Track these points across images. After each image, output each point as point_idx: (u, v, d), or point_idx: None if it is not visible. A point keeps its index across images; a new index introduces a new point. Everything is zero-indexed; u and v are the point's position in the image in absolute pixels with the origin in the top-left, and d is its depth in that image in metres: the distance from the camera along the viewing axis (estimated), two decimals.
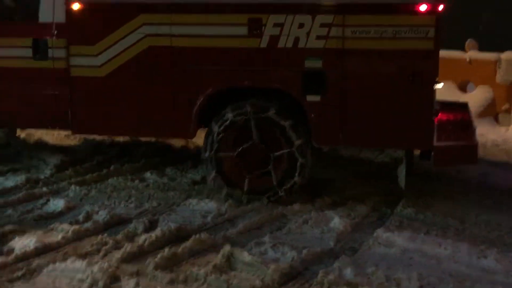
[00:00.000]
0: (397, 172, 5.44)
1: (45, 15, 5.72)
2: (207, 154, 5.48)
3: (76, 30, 5.56)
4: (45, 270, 4.19)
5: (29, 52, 5.77)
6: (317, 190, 5.88)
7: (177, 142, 7.65)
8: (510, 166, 7.20)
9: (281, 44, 5.10)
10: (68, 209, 5.41)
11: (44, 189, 5.90)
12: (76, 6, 5.46)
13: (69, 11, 5.49)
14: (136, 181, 6.16)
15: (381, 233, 4.85)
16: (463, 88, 9.50)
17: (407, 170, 5.34)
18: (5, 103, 5.97)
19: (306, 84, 5.11)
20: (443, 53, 9.43)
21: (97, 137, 7.61)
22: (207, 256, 4.42)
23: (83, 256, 4.40)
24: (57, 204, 5.49)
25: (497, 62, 9.07)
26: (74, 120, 5.74)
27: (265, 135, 5.36)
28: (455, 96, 9.26)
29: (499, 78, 9.06)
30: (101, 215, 5.16)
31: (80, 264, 4.24)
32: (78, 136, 7.61)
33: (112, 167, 6.54)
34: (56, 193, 5.81)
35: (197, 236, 4.66)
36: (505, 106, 9.00)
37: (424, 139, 4.99)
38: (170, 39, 5.33)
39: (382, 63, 4.96)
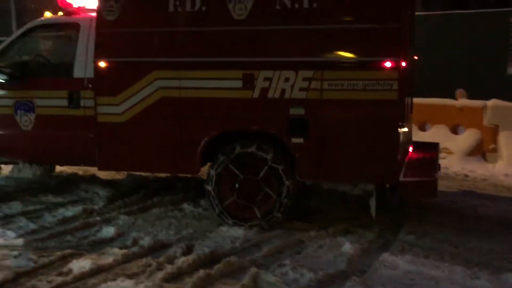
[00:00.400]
0: (369, 203, 5.39)
1: (78, 72, 6.06)
2: (210, 189, 5.60)
3: (102, 83, 5.72)
4: None
5: (65, 102, 6.05)
6: (329, 219, 5.87)
7: None
8: (497, 198, 7.12)
9: (270, 95, 5.23)
10: (118, 235, 5.43)
11: (98, 218, 5.93)
12: (102, 64, 5.69)
13: (96, 68, 5.71)
14: (176, 211, 6.17)
15: (386, 257, 4.80)
16: (454, 130, 9.48)
17: (379, 202, 5.26)
18: (46, 144, 6.25)
19: (291, 129, 5.23)
20: (437, 100, 9.60)
21: (142, 173, 7.68)
22: (237, 277, 4.40)
23: (130, 276, 4.41)
24: (109, 231, 5.51)
25: (483, 108, 9.10)
26: (100, 159, 5.87)
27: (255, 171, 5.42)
28: (448, 137, 9.27)
29: (485, 122, 9.07)
30: (146, 241, 5.17)
31: (128, 283, 4.25)
32: (125, 172, 7.71)
33: (155, 199, 6.57)
34: (107, 222, 5.84)
35: (228, 259, 4.65)
36: (491, 146, 8.98)
37: (390, 175, 5.01)
38: (179, 91, 5.50)
39: (354, 111, 5.03)
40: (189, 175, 7.43)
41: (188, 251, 4.96)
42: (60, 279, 4.35)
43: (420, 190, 5.09)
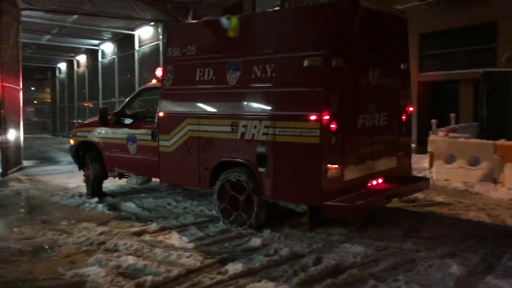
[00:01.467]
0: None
1: (154, 119, 7.16)
2: (215, 198, 6.40)
3: (161, 127, 6.88)
4: (247, 287, 4.26)
5: (150, 137, 7.18)
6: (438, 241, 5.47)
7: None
8: None
9: (246, 137, 5.93)
10: (263, 245, 5.44)
11: (249, 230, 6.01)
12: (161, 114, 6.86)
13: (159, 117, 6.92)
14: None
15: (490, 279, 4.35)
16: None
17: (315, 218, 5.69)
18: (142, 163, 7.41)
19: (258, 161, 5.86)
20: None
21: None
22: (358, 287, 4.24)
23: (272, 279, 4.42)
24: (256, 241, 5.56)
25: None
26: (160, 175, 7.00)
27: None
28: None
29: None
30: (284, 251, 5.14)
31: (270, 285, 4.27)
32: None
33: (293, 220, 6.53)
34: (255, 234, 5.86)
35: (350, 271, 4.50)
36: None
37: (315, 199, 5.39)
38: (198, 132, 6.46)
39: (294, 150, 5.50)
40: None
41: (318, 261, 4.86)
42: (219, 277, 4.48)
43: (337, 212, 5.33)
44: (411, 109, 6.73)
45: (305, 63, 5.38)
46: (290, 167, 5.56)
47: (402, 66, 6.53)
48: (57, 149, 18.80)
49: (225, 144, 6.14)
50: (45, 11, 12.56)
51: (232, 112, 6.06)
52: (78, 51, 25.31)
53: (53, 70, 31.00)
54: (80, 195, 8.46)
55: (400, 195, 6.05)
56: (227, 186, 6.22)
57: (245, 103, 5.95)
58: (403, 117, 6.60)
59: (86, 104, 24.40)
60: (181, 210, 7.23)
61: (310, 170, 5.39)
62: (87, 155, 8.30)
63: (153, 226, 6.29)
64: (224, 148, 6.16)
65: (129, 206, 7.54)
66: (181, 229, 6.18)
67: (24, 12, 12.05)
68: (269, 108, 5.72)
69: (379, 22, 6.11)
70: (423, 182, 6.64)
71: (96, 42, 22.20)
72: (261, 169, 5.81)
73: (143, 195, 8.19)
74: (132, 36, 18.75)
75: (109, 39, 21.16)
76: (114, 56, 21.40)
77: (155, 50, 17.32)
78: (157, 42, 16.93)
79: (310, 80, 5.38)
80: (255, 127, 5.82)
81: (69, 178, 10.63)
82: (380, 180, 6.13)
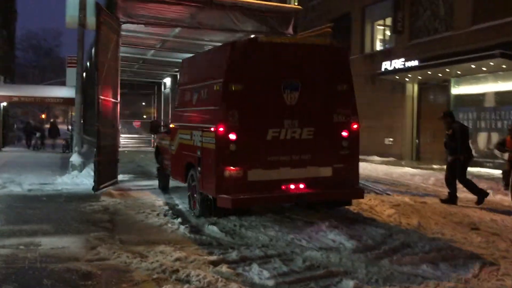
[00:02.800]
0: None
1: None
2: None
3: (170, 135, 9.82)
4: None
5: (168, 143, 10.08)
6: None
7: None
8: None
9: (195, 144, 8.20)
10: None
11: (340, 269, 5.40)
12: (171, 125, 9.66)
13: (170, 128, 9.86)
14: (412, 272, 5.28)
15: None
16: None
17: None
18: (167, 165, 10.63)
19: (198, 162, 7.96)
20: None
21: (382, 229, 6.90)
22: None
23: None
24: (348, 285, 4.92)
25: None
26: (171, 171, 10.12)
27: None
28: None
29: None
30: None
31: None
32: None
33: (394, 257, 5.76)
34: (348, 274, 5.25)
35: None
36: None
37: (214, 192, 7.45)
38: (181, 140, 8.97)
39: (207, 153, 7.66)
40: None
41: None
42: None
43: (223, 202, 7.34)
44: (355, 126, 8.04)
45: (215, 88, 7.69)
46: (206, 166, 7.70)
47: (339, 88, 8.02)
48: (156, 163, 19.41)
49: (189, 149, 8.47)
50: (145, 24, 13.00)
51: (190, 125, 8.55)
52: None
53: (159, 85, 32.67)
54: (165, 214, 8.44)
55: (306, 198, 7.73)
56: (190, 181, 8.52)
57: (195, 118, 8.48)
58: (344, 133, 7.99)
59: None
60: (268, 238, 6.79)
61: (212, 169, 7.50)
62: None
63: (233, 255, 5.94)
64: (188, 152, 8.55)
65: (212, 229, 7.29)
66: (264, 260, 5.76)
67: (125, 26, 12.56)
68: (201, 121, 8.08)
69: (302, 52, 7.91)
70: (351, 191, 8.06)
71: None
72: (199, 169, 7.95)
73: (232, 217, 7.87)
74: None
75: None
76: None
77: None
78: None
79: (215, 101, 7.61)
80: (196, 136, 8.16)
81: (160, 194, 10.81)
82: (302, 186, 7.65)
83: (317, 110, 7.91)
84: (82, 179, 12.81)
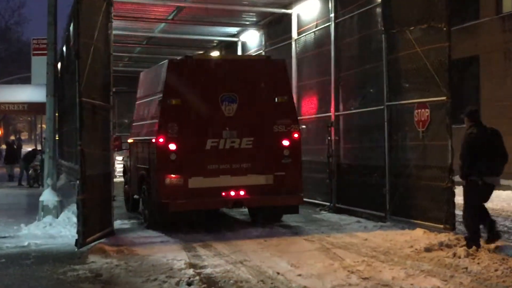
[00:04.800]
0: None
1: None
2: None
3: (129, 150, 15.92)
4: None
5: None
6: None
7: None
8: None
9: (145, 156, 13.67)
10: None
11: None
12: (129, 140, 15.55)
13: (129, 143, 15.88)
14: None
15: None
16: None
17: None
18: None
19: (148, 174, 13.31)
20: None
21: None
22: None
23: None
24: None
25: None
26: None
27: None
28: None
29: None
30: None
31: None
32: None
33: None
34: None
35: None
36: None
37: (159, 198, 12.47)
38: (136, 153, 14.43)
39: (153, 163, 12.80)
40: None
41: None
42: None
43: (166, 207, 12.35)
44: (296, 135, 13.09)
45: (157, 102, 12.70)
46: (152, 176, 12.63)
47: (278, 99, 13.02)
48: None
49: (140, 161, 14.16)
50: None
51: (141, 138, 13.77)
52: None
53: None
54: (189, 283, 8.45)
55: (244, 205, 13.27)
56: (142, 194, 13.82)
57: (145, 131, 13.82)
58: (285, 142, 12.94)
59: None
60: None
61: (156, 178, 12.48)
62: None
63: None
64: (141, 165, 14.01)
65: None
66: None
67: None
68: (148, 134, 13.28)
69: (239, 67, 13.32)
70: (291, 198, 13.18)
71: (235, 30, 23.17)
72: (148, 179, 13.28)
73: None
74: (287, 19, 19.01)
75: (255, 24, 21.81)
76: (261, 51, 21.97)
77: (323, 35, 17.23)
78: (328, 24, 16.81)
79: (158, 115, 12.55)
80: (145, 148, 13.51)
81: (180, 250, 10.96)
82: (242, 192, 12.74)
83: (256, 121, 12.90)
84: (59, 229, 13.00)
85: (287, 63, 14.71)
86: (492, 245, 10.32)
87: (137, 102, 14.30)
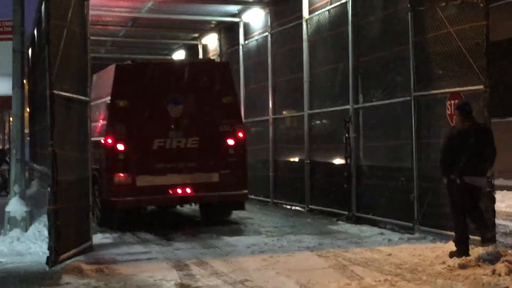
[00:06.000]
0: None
1: None
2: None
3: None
4: None
5: None
6: None
7: None
8: None
9: (96, 157, 15.27)
10: None
11: None
12: None
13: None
14: None
15: None
16: None
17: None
18: None
19: (99, 173, 15.45)
20: None
21: None
22: None
23: None
24: None
25: None
26: None
27: None
28: None
29: None
30: None
31: None
32: None
33: None
34: None
35: None
36: None
37: (108, 197, 15.12)
38: (92, 155, 13.72)
39: (103, 163, 15.41)
40: None
41: None
42: None
43: (112, 205, 15.24)
44: (240, 134, 15.90)
45: (106, 104, 15.45)
46: (103, 175, 15.09)
47: (223, 100, 15.85)
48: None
49: (94, 162, 14.70)
50: None
51: (94, 139, 14.28)
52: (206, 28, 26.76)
53: None
54: None
55: (190, 201, 16.17)
56: (94, 194, 14.72)
57: (97, 132, 15.53)
58: (230, 142, 15.75)
59: None
60: None
61: (105, 177, 15.10)
62: None
63: None
64: (95, 165, 14.77)
65: None
66: None
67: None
68: (99, 135, 15.20)
69: (184, 70, 16.04)
70: (236, 194, 16.06)
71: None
72: (99, 179, 15.41)
73: None
74: None
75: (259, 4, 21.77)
76: (266, 33, 21.93)
77: (339, 14, 17.17)
78: (344, 0, 16.75)
79: (105, 117, 15.26)
80: (97, 149, 15.02)
81: (170, 268, 11.00)
82: (188, 190, 15.44)
83: (201, 121, 15.71)
84: (28, 245, 13.05)
85: (230, 65, 18.08)
86: None
87: (91, 104, 15.38)
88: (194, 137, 15.50)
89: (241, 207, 16.69)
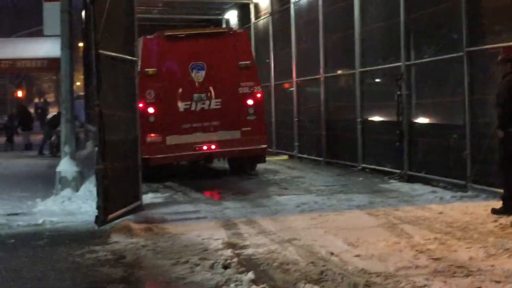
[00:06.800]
0: None
1: None
2: None
3: None
4: None
5: None
6: None
7: None
8: None
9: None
10: None
11: None
12: None
13: None
14: None
15: None
16: None
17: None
18: None
19: None
20: None
21: None
22: None
23: None
24: None
25: None
26: None
27: None
28: None
29: None
30: None
31: None
32: None
33: None
34: None
35: None
36: None
37: (143, 153, 14.04)
38: None
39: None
40: None
41: None
42: None
43: (147, 161, 15.46)
44: (258, 95, 17.88)
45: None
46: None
47: (242, 65, 17.62)
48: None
49: None
50: None
51: None
52: None
53: (218, 25, 33.10)
54: (226, 266, 8.43)
55: (215, 157, 18.26)
56: None
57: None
58: (249, 102, 17.66)
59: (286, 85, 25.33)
60: None
61: (141, 137, 13.94)
62: None
63: None
64: None
65: None
66: None
67: None
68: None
69: (206, 39, 18.05)
70: (256, 149, 17.86)
71: None
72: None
73: None
74: None
75: None
76: None
77: None
78: None
79: (139, 84, 14.02)
80: None
81: (218, 227, 11.05)
82: (213, 146, 17.40)
83: (223, 85, 17.53)
84: (79, 204, 13.26)
85: (248, 33, 22.20)
86: None
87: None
88: (217, 99, 17.45)
89: (263, 161, 18.70)
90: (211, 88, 17.47)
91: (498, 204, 10.99)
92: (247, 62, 17.91)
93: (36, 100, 66.14)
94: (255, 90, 17.85)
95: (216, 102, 17.48)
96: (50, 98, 68.69)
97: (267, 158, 19.31)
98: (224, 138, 17.51)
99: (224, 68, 17.72)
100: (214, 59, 17.68)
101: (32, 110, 41.61)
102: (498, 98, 11.11)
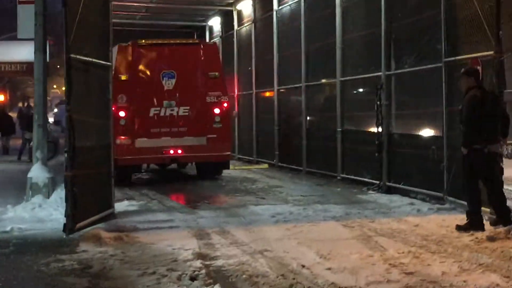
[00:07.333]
0: None
1: None
2: None
3: None
4: None
5: None
6: None
7: None
8: None
9: None
10: None
11: None
12: None
13: None
14: None
15: None
16: None
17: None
18: None
19: None
20: None
21: None
22: None
23: None
24: None
25: None
26: None
27: None
28: None
29: None
30: None
31: None
32: None
33: None
34: None
35: None
36: None
37: (115, 155, 14.30)
38: None
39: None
40: None
41: None
42: None
43: (117, 162, 15.06)
44: (225, 104, 19.25)
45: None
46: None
47: (210, 75, 19.06)
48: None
49: None
50: None
51: None
52: None
53: (201, 31, 33.07)
54: (193, 277, 8.34)
55: (181, 161, 19.73)
56: None
57: None
58: (216, 110, 18.95)
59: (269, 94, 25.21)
60: None
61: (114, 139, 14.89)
62: None
63: None
64: None
65: None
66: None
67: None
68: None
69: (178, 49, 19.43)
70: (220, 155, 19.16)
71: None
72: None
73: None
74: None
75: None
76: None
77: None
78: None
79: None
80: None
81: (191, 237, 10.94)
82: (180, 151, 18.74)
83: (191, 93, 18.79)
84: (49, 211, 13.05)
85: (217, 45, 23.44)
86: None
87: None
88: (185, 106, 18.70)
89: (226, 167, 19.84)
90: (180, 95, 18.68)
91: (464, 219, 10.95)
92: (216, 73, 19.18)
93: (20, 104, 65.93)
94: (222, 100, 19.08)
95: (184, 109, 18.69)
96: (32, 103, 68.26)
97: (247, 167, 21.13)
98: (190, 143, 18.68)
99: (193, 77, 19.05)
100: (185, 69, 18.92)
101: (14, 115, 41.28)
102: (461, 115, 11.00)
